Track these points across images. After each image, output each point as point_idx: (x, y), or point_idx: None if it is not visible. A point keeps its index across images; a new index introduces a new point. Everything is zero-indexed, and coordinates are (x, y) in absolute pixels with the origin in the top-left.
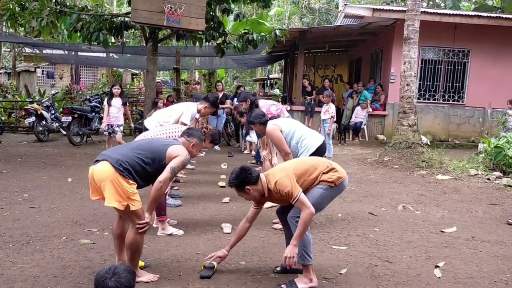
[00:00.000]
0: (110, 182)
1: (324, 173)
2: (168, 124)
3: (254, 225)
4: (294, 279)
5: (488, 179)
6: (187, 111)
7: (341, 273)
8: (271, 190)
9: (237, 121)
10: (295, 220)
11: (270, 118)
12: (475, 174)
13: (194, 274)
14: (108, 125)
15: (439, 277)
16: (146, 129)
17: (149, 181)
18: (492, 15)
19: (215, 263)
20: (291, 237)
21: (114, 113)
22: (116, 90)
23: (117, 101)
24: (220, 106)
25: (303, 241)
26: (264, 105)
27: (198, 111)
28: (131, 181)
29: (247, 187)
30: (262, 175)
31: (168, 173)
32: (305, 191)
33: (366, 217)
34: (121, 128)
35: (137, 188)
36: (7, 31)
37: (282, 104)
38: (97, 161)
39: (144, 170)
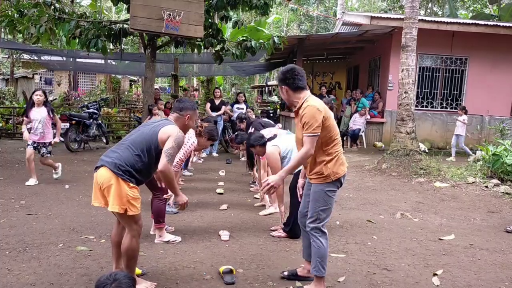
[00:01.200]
0: (113, 187)
1: (325, 164)
2: None
3: (252, 233)
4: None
5: (486, 186)
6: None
7: (339, 281)
8: (302, 108)
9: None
10: (313, 230)
11: (268, 139)
12: (473, 182)
13: (191, 281)
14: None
15: (438, 285)
16: None
17: (151, 173)
18: (489, 23)
19: (231, 267)
20: (308, 242)
21: (38, 128)
22: (37, 97)
23: (40, 113)
24: (218, 112)
25: (319, 252)
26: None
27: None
28: (131, 184)
29: (284, 86)
30: (306, 93)
31: (165, 158)
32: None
33: (364, 225)
34: (49, 148)
35: (140, 183)
36: (6, 38)
37: (279, 110)
38: (97, 167)
39: (144, 164)
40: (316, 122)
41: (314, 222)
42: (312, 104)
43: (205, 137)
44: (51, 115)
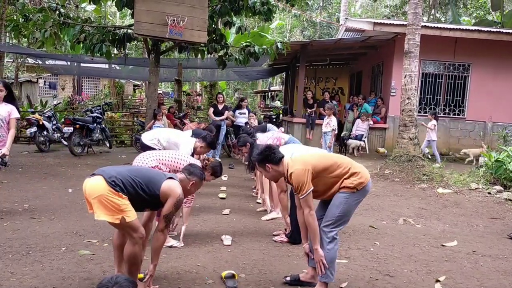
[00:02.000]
0: (98, 199)
1: (345, 179)
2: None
3: (254, 238)
4: None
5: (489, 193)
6: (185, 146)
7: (341, 287)
8: (289, 176)
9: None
10: (326, 235)
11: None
12: (476, 188)
13: (194, 286)
14: None
15: None
16: (143, 144)
17: (141, 207)
18: (492, 29)
19: (233, 272)
20: None
21: None
22: None
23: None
24: (221, 117)
25: (328, 256)
26: (261, 141)
27: (194, 148)
28: (123, 195)
29: (267, 165)
30: (285, 160)
31: (163, 222)
32: (326, 192)
33: (366, 230)
34: (5, 158)
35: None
36: (11, 42)
37: (282, 115)
38: (93, 174)
39: (138, 194)
40: (305, 180)
41: (328, 226)
42: (294, 169)
43: (209, 172)
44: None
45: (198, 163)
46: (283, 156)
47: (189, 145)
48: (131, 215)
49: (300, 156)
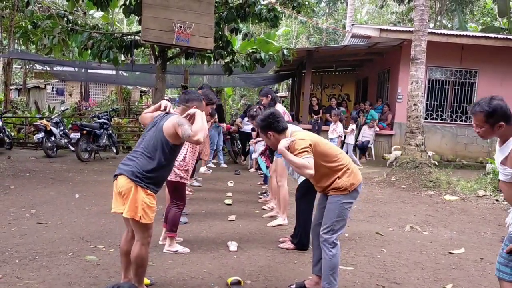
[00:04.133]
0: (130, 193)
1: (338, 178)
2: None
3: (260, 244)
4: None
5: (497, 200)
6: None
7: None
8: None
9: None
10: (326, 241)
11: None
12: (483, 195)
13: None
14: None
15: None
16: None
17: (168, 171)
18: (499, 36)
19: (239, 278)
20: (319, 257)
21: None
22: None
23: None
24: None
25: (330, 262)
26: (280, 109)
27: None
28: (149, 191)
29: (269, 132)
30: (289, 131)
31: (188, 130)
32: (319, 180)
33: (373, 237)
34: None
35: (160, 186)
36: (19, 48)
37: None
38: (116, 175)
39: (160, 165)
40: (306, 148)
41: (328, 233)
42: (297, 136)
43: (204, 102)
44: None
45: None
46: (287, 127)
47: None
48: (149, 218)
49: (305, 132)
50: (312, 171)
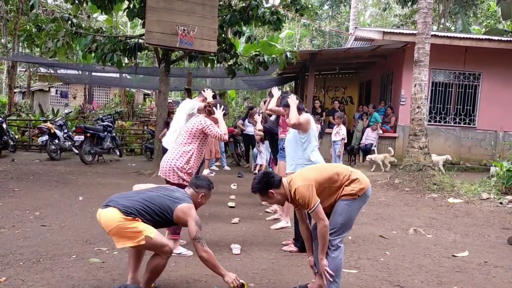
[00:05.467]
0: (116, 230)
1: (346, 186)
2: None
3: (264, 247)
4: None
5: (501, 203)
6: (187, 105)
7: None
8: (293, 196)
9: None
10: (331, 245)
11: None
12: (487, 198)
13: None
14: None
15: None
16: (164, 149)
17: (160, 227)
18: (503, 38)
19: (243, 281)
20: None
21: None
22: None
23: None
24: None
25: (334, 263)
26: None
27: (199, 109)
28: (136, 217)
29: (270, 191)
30: (284, 180)
31: (197, 244)
32: (327, 201)
33: (376, 240)
34: None
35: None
36: (24, 52)
37: None
38: (107, 205)
39: (153, 218)
40: (309, 194)
41: (333, 234)
42: (297, 186)
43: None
44: None
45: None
46: (281, 178)
47: (191, 103)
48: (152, 232)
49: (297, 174)
50: (327, 223)
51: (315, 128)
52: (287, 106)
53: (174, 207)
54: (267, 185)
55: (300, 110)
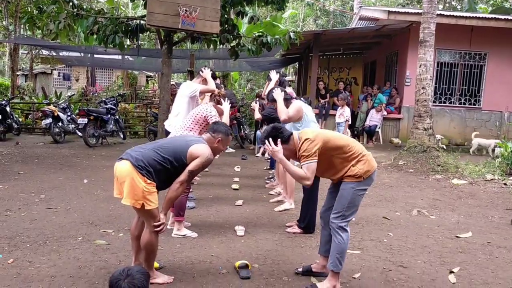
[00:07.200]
0: (128, 181)
1: (353, 165)
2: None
3: (267, 228)
4: (316, 284)
5: (505, 184)
6: (188, 88)
7: (354, 278)
8: (301, 150)
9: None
10: (337, 226)
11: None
12: (492, 179)
13: (208, 276)
14: None
15: (454, 283)
16: (167, 132)
17: (169, 183)
18: (509, 17)
19: (247, 262)
20: (327, 238)
21: None
22: None
23: None
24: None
25: (339, 247)
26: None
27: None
28: (149, 180)
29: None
30: (295, 134)
31: (186, 175)
32: (327, 171)
33: (380, 222)
34: None
35: (156, 189)
36: (25, 34)
37: None
38: (121, 158)
39: (165, 169)
40: (311, 151)
41: (338, 218)
42: (306, 137)
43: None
44: None
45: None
46: (291, 133)
47: (193, 86)
48: (153, 204)
49: (312, 130)
50: (309, 182)
51: (310, 112)
52: (273, 101)
53: (189, 146)
54: (274, 138)
55: (287, 100)
